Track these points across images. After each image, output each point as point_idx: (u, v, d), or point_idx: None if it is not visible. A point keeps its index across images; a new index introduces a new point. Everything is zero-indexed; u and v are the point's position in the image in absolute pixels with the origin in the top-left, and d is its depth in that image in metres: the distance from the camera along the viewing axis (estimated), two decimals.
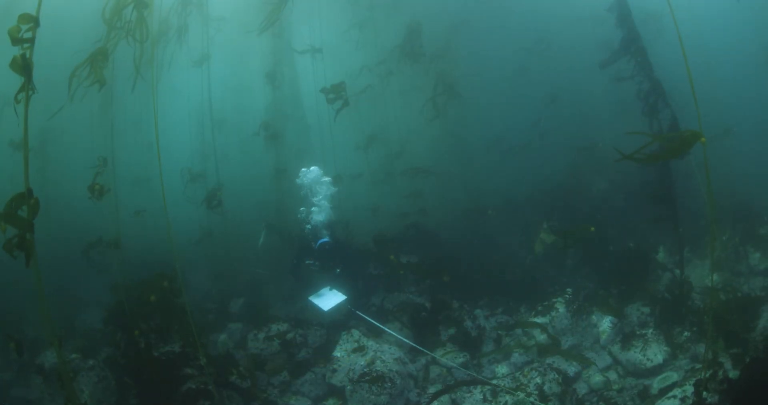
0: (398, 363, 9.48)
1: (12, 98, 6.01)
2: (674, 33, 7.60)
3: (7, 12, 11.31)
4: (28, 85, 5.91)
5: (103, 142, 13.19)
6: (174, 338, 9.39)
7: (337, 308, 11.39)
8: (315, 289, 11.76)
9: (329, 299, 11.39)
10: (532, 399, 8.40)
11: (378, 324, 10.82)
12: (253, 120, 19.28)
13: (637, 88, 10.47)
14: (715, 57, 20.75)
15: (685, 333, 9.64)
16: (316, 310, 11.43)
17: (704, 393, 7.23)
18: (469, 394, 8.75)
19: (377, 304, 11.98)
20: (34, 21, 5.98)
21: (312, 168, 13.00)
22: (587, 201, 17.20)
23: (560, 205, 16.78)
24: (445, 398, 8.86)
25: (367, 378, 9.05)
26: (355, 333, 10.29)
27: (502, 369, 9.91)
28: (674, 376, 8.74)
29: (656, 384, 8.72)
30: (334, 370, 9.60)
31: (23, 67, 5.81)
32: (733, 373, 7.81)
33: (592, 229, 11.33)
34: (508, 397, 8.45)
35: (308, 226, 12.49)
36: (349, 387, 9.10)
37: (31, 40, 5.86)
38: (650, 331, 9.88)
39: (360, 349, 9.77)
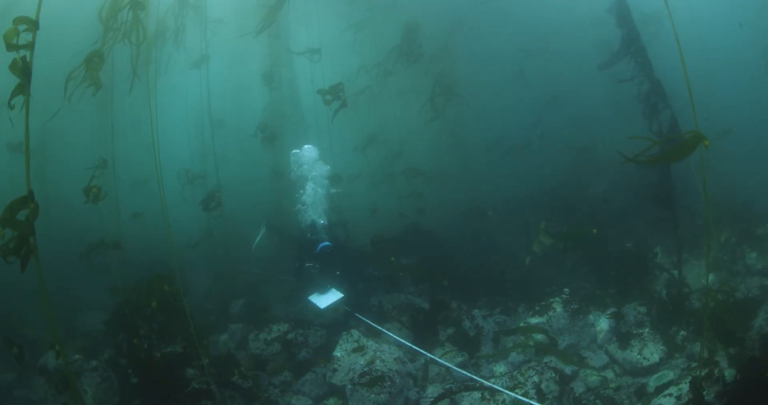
0: (398, 362, 9.56)
1: (8, 99, 6.02)
2: (673, 35, 7.68)
3: (5, 12, 11.35)
4: (28, 89, 5.94)
5: (102, 143, 13.28)
6: (176, 339, 9.46)
7: (335, 306, 11.50)
8: (314, 289, 11.86)
9: (326, 298, 11.50)
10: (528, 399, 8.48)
11: (377, 326, 10.91)
12: (251, 121, 19.34)
13: (637, 89, 10.53)
14: (716, 59, 20.87)
15: (682, 332, 9.73)
16: (315, 309, 11.53)
17: (700, 391, 7.29)
18: (467, 393, 8.83)
19: (377, 305, 12.06)
20: (33, 24, 6.00)
21: (306, 147, 13.09)
22: (586, 201, 17.27)
23: (559, 206, 16.86)
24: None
25: (367, 377, 9.12)
26: (355, 333, 10.37)
27: (500, 368, 9.98)
28: (670, 375, 8.83)
29: (652, 382, 8.81)
30: (335, 370, 9.67)
31: (23, 70, 5.83)
32: (728, 372, 7.89)
33: (594, 231, 11.41)
34: (506, 396, 8.52)
35: (304, 225, 12.61)
36: (349, 386, 9.18)
37: (30, 45, 5.86)
38: (647, 330, 9.97)
39: (360, 349, 9.84)
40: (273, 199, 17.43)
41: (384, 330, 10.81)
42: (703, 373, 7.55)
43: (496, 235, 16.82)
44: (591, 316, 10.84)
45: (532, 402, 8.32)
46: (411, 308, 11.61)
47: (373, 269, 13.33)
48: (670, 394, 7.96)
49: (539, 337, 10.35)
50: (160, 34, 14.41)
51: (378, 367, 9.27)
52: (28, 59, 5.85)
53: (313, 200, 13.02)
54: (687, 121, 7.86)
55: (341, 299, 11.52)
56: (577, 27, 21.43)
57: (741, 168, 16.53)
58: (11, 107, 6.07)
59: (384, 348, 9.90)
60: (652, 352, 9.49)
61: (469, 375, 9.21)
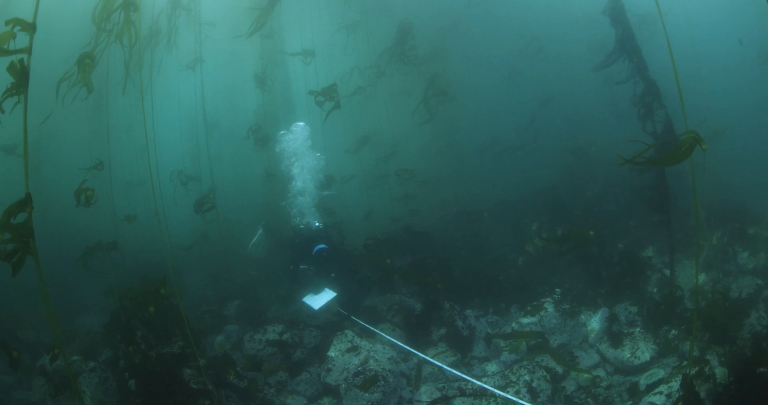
0: (391, 362, 9.64)
1: None
2: (668, 34, 7.75)
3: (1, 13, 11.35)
4: (26, 91, 5.96)
5: (96, 144, 13.30)
6: (172, 341, 9.52)
7: (329, 307, 11.57)
8: (308, 290, 11.93)
9: (320, 298, 11.58)
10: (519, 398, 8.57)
11: (370, 327, 10.98)
12: (245, 123, 19.38)
13: (632, 89, 10.63)
14: (711, 60, 20.98)
15: (673, 331, 9.84)
16: (309, 310, 11.60)
17: (690, 389, 7.39)
18: (459, 392, 8.95)
19: (370, 306, 12.13)
20: (30, 26, 6.02)
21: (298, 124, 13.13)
22: (579, 203, 17.37)
23: (552, 207, 16.95)
24: (436, 395, 9.04)
25: (360, 377, 9.20)
26: (349, 333, 10.45)
27: (491, 367, 10.10)
28: (660, 373, 8.94)
29: (643, 380, 8.92)
30: (329, 370, 9.75)
31: (21, 72, 5.85)
32: (719, 370, 8.00)
33: (591, 233, 11.50)
34: (499, 392, 8.61)
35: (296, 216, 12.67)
36: (343, 385, 9.26)
37: (26, 49, 5.87)
38: (638, 329, 10.09)
39: (354, 349, 9.93)
40: (267, 200, 17.47)
41: (377, 331, 10.89)
42: (693, 371, 7.65)
43: (489, 236, 16.92)
44: (582, 316, 10.94)
45: (523, 402, 8.41)
46: (404, 309, 11.71)
47: (367, 271, 13.39)
48: (661, 392, 8.07)
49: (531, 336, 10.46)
50: (153, 35, 14.44)
51: (371, 367, 9.35)
52: (25, 62, 5.87)
53: (303, 187, 13.08)
54: (682, 121, 7.95)
55: (334, 298, 11.60)
56: (571, 28, 21.51)
57: (734, 168, 16.67)
58: (1, 111, 6.08)
59: (377, 348, 9.99)
60: (643, 351, 9.61)
61: (461, 375, 9.29)
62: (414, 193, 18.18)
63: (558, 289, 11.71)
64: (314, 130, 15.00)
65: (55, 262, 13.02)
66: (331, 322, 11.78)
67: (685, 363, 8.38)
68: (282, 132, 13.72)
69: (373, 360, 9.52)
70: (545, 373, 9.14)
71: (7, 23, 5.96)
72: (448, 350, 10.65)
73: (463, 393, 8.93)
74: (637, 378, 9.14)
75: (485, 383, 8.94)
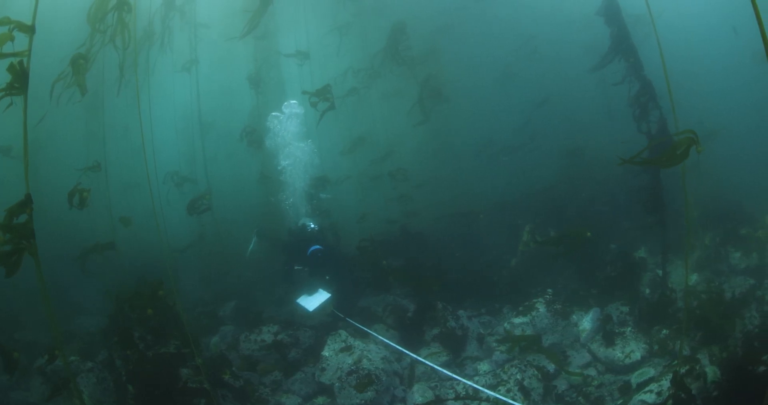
0: (384, 362, 9.75)
1: None
2: (662, 37, 7.83)
3: None
4: (26, 92, 6.01)
5: (92, 145, 13.36)
6: (169, 341, 9.59)
7: (323, 307, 11.65)
8: (303, 292, 11.99)
9: (314, 300, 11.65)
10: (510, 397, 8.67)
11: (364, 327, 11.06)
12: (240, 124, 19.39)
13: (627, 89, 10.70)
14: (707, 60, 21.07)
15: (664, 331, 9.93)
16: (303, 311, 11.68)
17: (680, 387, 7.48)
18: (452, 391, 9.04)
19: (365, 307, 12.22)
20: (29, 29, 6.07)
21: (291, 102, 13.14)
22: (573, 204, 17.43)
23: (546, 208, 17.02)
24: (428, 394, 9.13)
25: (354, 376, 9.29)
26: (343, 333, 10.54)
27: (483, 366, 10.20)
28: (651, 372, 9.05)
29: (633, 379, 9.03)
30: (323, 369, 9.84)
31: (20, 74, 5.89)
32: (710, 369, 8.09)
33: (589, 233, 11.58)
34: (490, 393, 8.71)
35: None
36: (337, 384, 9.35)
37: (21, 52, 5.91)
38: (629, 329, 10.19)
39: (347, 349, 10.02)
40: (263, 202, 17.50)
41: (371, 331, 10.97)
42: (683, 370, 7.75)
43: (483, 237, 16.98)
44: (574, 316, 11.03)
45: (513, 402, 8.50)
46: (398, 310, 11.81)
47: (361, 272, 13.45)
48: (651, 391, 8.17)
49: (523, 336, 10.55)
50: (148, 37, 14.48)
51: (365, 366, 9.44)
52: (25, 63, 5.92)
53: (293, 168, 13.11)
54: (680, 122, 8.03)
55: (329, 299, 11.67)
56: (567, 29, 21.57)
57: (729, 169, 16.74)
58: None
59: (371, 348, 10.09)
60: (634, 350, 9.71)
61: (452, 375, 9.39)
62: (409, 195, 18.24)
63: (550, 290, 11.79)
64: (309, 131, 15.06)
65: (50, 264, 13.04)
66: (326, 322, 11.86)
67: (676, 362, 8.48)
68: (274, 113, 13.73)
69: (367, 359, 9.61)
70: (536, 372, 9.25)
71: (1, 23, 6.00)
72: (441, 350, 10.74)
73: (456, 394, 9.02)
74: (628, 377, 9.25)
75: (477, 382, 9.04)
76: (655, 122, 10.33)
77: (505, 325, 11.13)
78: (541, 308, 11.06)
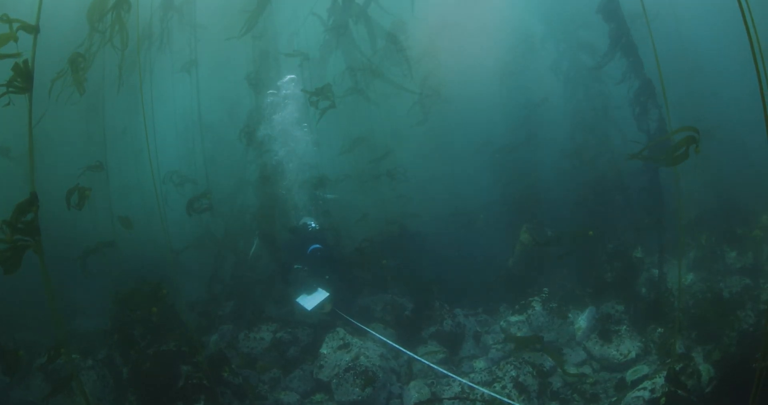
0: (381, 359, 9.84)
1: None
2: (661, 36, 7.86)
3: None
4: (31, 92, 6.06)
5: (91, 146, 13.40)
6: (170, 340, 9.66)
7: (321, 306, 11.70)
8: (302, 291, 12.04)
9: (313, 299, 11.71)
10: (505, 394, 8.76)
11: (361, 325, 11.13)
12: (239, 124, 19.36)
13: (627, 89, 10.75)
14: (704, 58, 21.05)
15: (659, 329, 10.03)
16: (302, 310, 11.74)
17: (674, 385, 7.56)
18: (448, 387, 9.13)
19: (363, 305, 12.29)
20: (33, 28, 6.11)
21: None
22: (569, 203, 17.46)
23: (543, 208, 17.04)
24: (425, 391, 9.22)
25: (351, 372, 9.38)
26: (341, 331, 10.63)
27: (479, 364, 10.30)
28: (645, 370, 9.14)
29: (628, 377, 9.13)
30: (321, 366, 9.94)
31: (25, 73, 5.94)
32: (704, 367, 8.18)
33: (591, 233, 11.64)
34: (484, 390, 8.79)
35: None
36: (334, 381, 9.44)
37: (19, 54, 5.94)
38: (624, 327, 10.28)
39: (345, 347, 10.12)
40: (263, 203, 17.50)
41: (369, 329, 11.05)
42: (678, 368, 7.83)
43: (481, 236, 17.03)
44: (570, 314, 11.12)
45: (506, 399, 8.59)
46: (396, 308, 11.88)
47: (360, 271, 13.49)
48: (645, 388, 8.25)
49: (519, 333, 10.64)
50: (146, 37, 14.50)
51: (362, 363, 9.53)
52: (30, 64, 5.96)
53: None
54: (678, 120, 8.10)
55: (327, 298, 11.72)
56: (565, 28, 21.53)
57: (726, 168, 16.76)
58: None
59: (369, 345, 10.18)
60: (629, 348, 9.81)
61: (447, 373, 9.47)
62: (408, 195, 18.25)
63: (546, 289, 11.88)
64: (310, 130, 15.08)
65: (50, 264, 13.06)
66: (324, 320, 11.92)
67: (670, 360, 8.57)
68: (271, 91, 13.69)
69: (364, 357, 9.71)
70: (532, 370, 9.34)
71: (2, 20, 6.04)
72: (438, 348, 10.84)
73: (452, 391, 9.11)
74: (623, 374, 9.34)
75: (472, 379, 9.13)
76: (655, 120, 10.41)
77: (502, 323, 11.23)
78: (538, 307, 11.16)
